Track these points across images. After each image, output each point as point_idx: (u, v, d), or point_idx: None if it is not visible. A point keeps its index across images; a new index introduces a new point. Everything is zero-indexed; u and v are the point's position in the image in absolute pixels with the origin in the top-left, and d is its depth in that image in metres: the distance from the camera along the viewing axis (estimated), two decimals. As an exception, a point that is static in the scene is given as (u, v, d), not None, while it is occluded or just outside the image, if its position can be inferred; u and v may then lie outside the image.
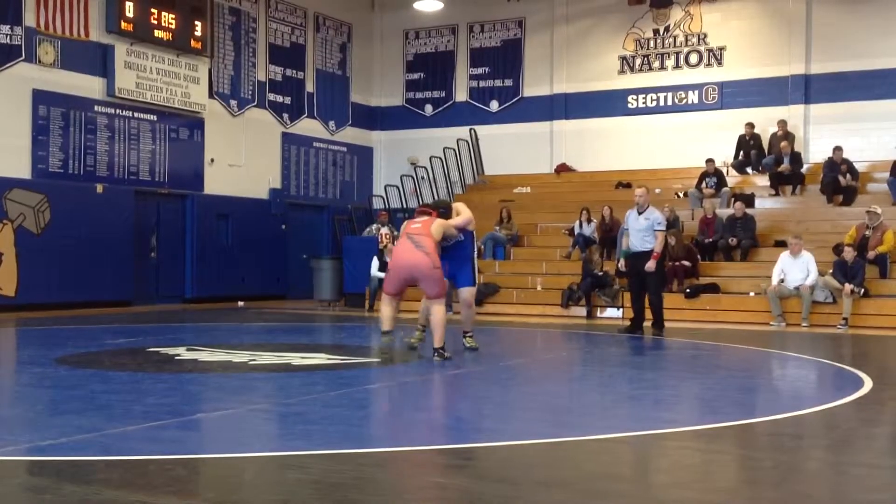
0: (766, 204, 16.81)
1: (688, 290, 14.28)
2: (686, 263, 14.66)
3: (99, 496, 3.72)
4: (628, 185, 18.56)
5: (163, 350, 8.87)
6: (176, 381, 7.08)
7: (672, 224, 15.42)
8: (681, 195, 17.47)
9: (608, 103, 19.69)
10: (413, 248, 8.17)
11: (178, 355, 8.52)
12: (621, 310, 14.49)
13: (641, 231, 11.10)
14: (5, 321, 12.67)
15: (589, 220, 16.36)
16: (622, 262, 11.60)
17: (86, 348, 9.26)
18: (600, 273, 14.77)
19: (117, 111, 16.17)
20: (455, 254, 8.82)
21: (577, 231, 16.48)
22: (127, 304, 15.91)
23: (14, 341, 10.94)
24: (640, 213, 11.18)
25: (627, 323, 11.89)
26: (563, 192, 19.12)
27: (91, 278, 15.31)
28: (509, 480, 4.17)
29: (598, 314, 14.76)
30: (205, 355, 8.56)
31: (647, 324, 11.58)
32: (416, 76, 21.61)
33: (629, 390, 7.19)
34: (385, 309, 8.47)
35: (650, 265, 11.06)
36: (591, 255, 15.10)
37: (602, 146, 19.63)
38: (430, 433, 5.25)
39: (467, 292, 8.96)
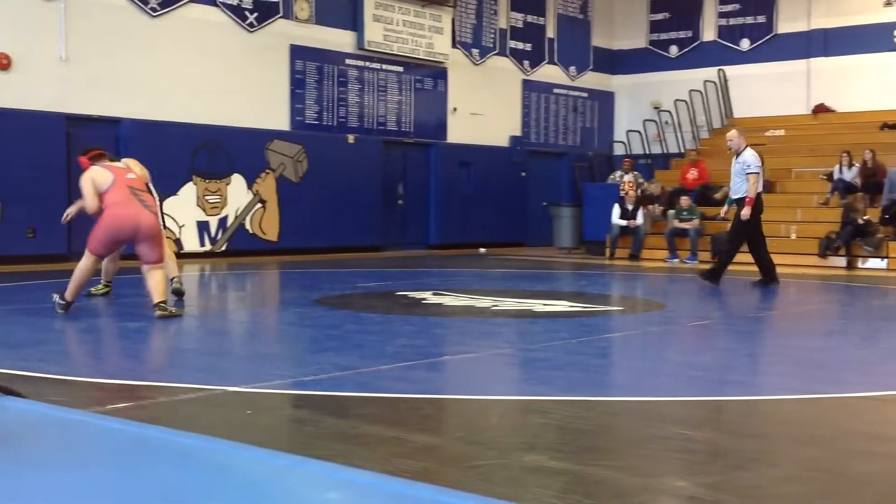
0: None
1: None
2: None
3: (356, 430, 3.93)
4: (894, 127, 17.09)
5: (410, 294, 9.23)
6: (423, 323, 7.36)
7: None
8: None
9: (872, 38, 18.10)
10: (140, 206, 7.24)
11: (425, 299, 8.83)
12: (885, 260, 13.48)
13: (736, 176, 10.68)
14: (269, 264, 13.69)
15: (850, 165, 15.25)
16: (725, 209, 11.24)
17: (341, 290, 9.81)
18: (863, 221, 13.77)
19: (366, 63, 16.82)
20: None
21: (836, 176, 15.43)
22: (376, 249, 16.67)
23: (277, 283, 11.80)
24: (736, 158, 10.72)
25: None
26: (820, 134, 17.92)
27: (343, 225, 16.15)
28: (760, 436, 4.00)
29: (860, 265, 13.81)
30: (449, 300, 8.82)
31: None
32: (660, 16, 20.86)
33: (895, 346, 6.67)
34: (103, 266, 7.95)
35: (745, 212, 10.44)
36: (855, 202, 14.11)
37: (865, 85, 18.13)
38: (675, 384, 5.12)
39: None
